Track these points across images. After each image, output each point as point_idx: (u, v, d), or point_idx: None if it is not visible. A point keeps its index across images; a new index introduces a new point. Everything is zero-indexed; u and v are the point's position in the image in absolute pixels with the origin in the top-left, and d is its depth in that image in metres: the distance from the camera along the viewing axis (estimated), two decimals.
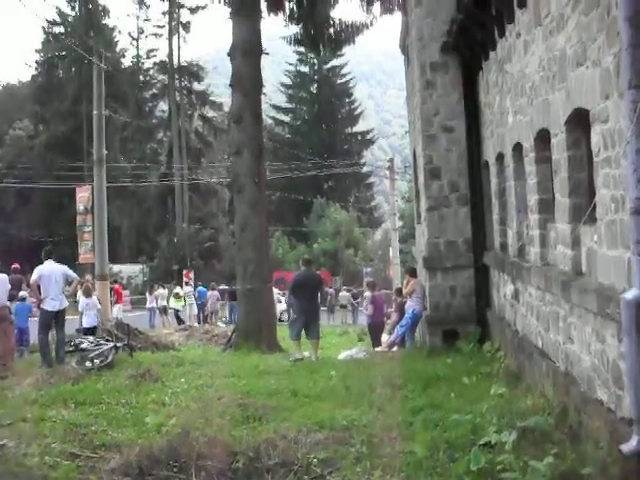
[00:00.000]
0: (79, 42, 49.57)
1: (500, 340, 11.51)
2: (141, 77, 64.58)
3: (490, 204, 12.43)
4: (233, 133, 17.31)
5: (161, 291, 30.62)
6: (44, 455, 6.42)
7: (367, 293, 20.51)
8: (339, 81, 66.77)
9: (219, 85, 71.06)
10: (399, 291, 17.27)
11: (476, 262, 13.32)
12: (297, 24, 20.90)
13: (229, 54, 17.24)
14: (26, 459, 6.32)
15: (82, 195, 24.26)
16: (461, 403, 7.96)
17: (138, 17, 62.36)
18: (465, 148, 13.45)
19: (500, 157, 11.08)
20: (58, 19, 60.87)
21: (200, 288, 34.11)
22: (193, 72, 59.46)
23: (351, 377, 10.44)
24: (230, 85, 17.11)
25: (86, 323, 15.69)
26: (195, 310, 31.42)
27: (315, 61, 64.78)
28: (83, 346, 12.87)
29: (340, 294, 38.34)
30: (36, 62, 63.84)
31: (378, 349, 16.10)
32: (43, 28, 61.30)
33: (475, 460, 5.60)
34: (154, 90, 64.24)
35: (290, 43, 24.02)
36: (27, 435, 7.26)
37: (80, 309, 16.03)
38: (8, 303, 13.40)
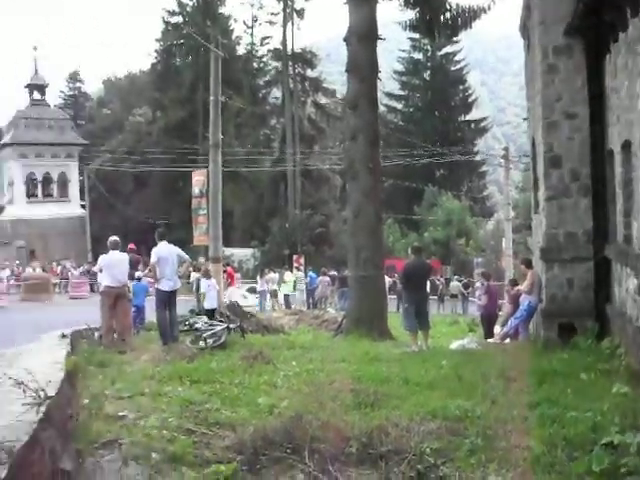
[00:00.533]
0: (197, 31, 50.85)
1: (620, 336, 11.02)
2: (255, 64, 65.65)
3: (613, 194, 11.90)
4: (348, 119, 17.32)
5: (272, 275, 31.12)
6: (162, 429, 6.57)
7: (478, 283, 20.17)
8: (453, 68, 65.71)
9: (332, 72, 71.34)
10: (513, 282, 16.86)
11: (596, 254, 12.78)
12: (413, 9, 20.59)
13: (345, 39, 17.22)
14: (145, 431, 6.49)
15: (198, 179, 24.78)
16: (579, 400, 7.65)
17: (252, 5, 63.31)
18: (588, 135, 12.89)
19: (627, 145, 10.57)
20: (177, 9, 62.66)
21: (311, 273, 34.42)
22: (307, 59, 59.76)
23: (463, 367, 10.23)
24: (346, 71, 17.09)
25: (207, 304, 16.14)
26: (305, 295, 31.73)
27: (429, 47, 63.96)
28: (197, 326, 13.22)
29: (451, 284, 37.89)
30: (155, 51, 66.08)
31: (490, 340, 15.80)
32: (163, 18, 63.34)
33: (597, 460, 5.35)
34: (268, 77, 65.16)
35: (405, 29, 23.69)
36: (145, 408, 7.46)
37: (203, 290, 16.45)
38: (128, 282, 13.90)
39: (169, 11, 62.82)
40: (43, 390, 4.41)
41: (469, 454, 5.98)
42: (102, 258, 13.49)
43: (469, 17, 20.27)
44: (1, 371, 7.17)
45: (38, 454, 3.29)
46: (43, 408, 4.11)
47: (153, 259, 12.83)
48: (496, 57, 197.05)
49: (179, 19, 63.72)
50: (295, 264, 38.17)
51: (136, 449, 5.84)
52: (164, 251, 12.91)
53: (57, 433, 4.07)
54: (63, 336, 11.91)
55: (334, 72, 77.46)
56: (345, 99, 18.97)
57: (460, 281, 37.74)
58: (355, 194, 16.58)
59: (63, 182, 57.94)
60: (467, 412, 7.26)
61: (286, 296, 30.80)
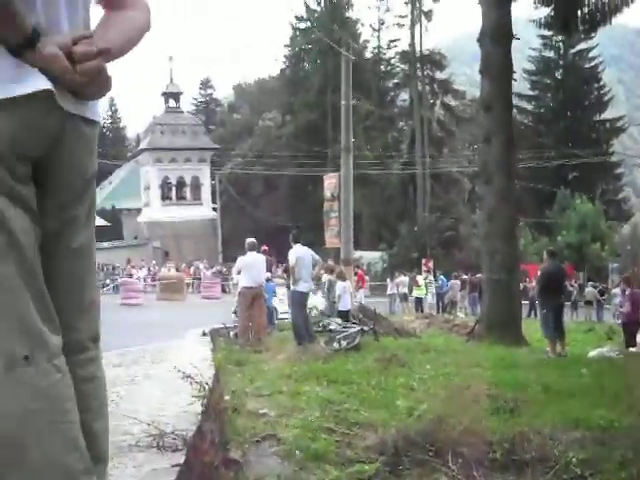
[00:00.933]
0: (325, 35, 51.59)
1: None
2: (382, 67, 65.79)
3: None
4: (482, 121, 17.08)
5: (402, 278, 31.09)
6: (304, 427, 6.69)
7: (616, 290, 19.42)
8: (586, 65, 63.31)
9: (459, 74, 70.48)
10: None
11: None
12: (547, 6, 20.08)
13: (478, 40, 16.99)
14: (288, 429, 6.62)
15: (329, 182, 25.13)
16: None
17: (379, 9, 63.52)
18: None
19: None
20: (305, 15, 63.77)
21: (441, 277, 34.16)
22: (435, 61, 59.34)
23: (604, 376, 9.89)
24: (480, 72, 16.84)
25: (342, 306, 16.26)
26: (435, 299, 31.54)
27: (561, 45, 61.94)
28: (331, 327, 13.37)
29: (585, 290, 36.59)
30: (284, 56, 67.52)
31: (633, 349, 15.17)
32: (291, 24, 64.65)
33: None
34: (396, 79, 65.15)
35: (539, 27, 23.20)
36: (285, 407, 7.61)
37: (338, 292, 16.61)
38: (264, 283, 14.26)
39: (297, 17, 64.06)
40: (207, 383, 4.61)
41: (619, 467, 5.75)
42: (241, 259, 13.87)
43: (609, 11, 19.51)
44: (147, 366, 7.52)
45: (206, 444, 3.45)
46: (205, 401, 4.32)
47: (292, 260, 13.05)
48: (634, 53, 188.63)
49: (307, 24, 64.80)
50: (424, 267, 38.01)
51: (281, 446, 5.98)
52: (301, 252, 13.13)
53: (216, 425, 4.26)
54: (204, 334, 12.37)
55: (460, 73, 76.60)
56: (479, 101, 18.67)
57: (595, 287, 36.35)
58: (489, 197, 16.31)
59: (196, 185, 59.89)
60: (612, 423, 6.99)
61: (418, 299, 30.80)
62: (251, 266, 13.46)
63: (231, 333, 14.62)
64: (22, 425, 1.73)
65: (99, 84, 1.90)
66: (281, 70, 69.10)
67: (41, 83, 1.77)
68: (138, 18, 2.09)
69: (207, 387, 4.58)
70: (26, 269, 1.80)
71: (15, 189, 1.79)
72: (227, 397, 7.82)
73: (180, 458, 2.94)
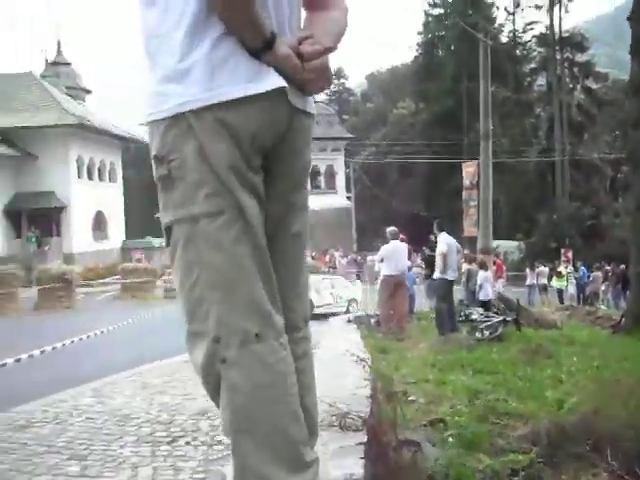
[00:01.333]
0: (459, 21, 50.99)
1: None
2: (518, 52, 64.22)
3: None
4: (631, 105, 16.33)
5: (542, 269, 30.44)
6: (454, 415, 6.73)
7: None
8: None
9: (599, 55, 67.66)
10: None
11: None
12: None
13: (629, 18, 16.21)
14: (439, 416, 6.69)
15: (468, 170, 24.89)
16: None
17: None
18: None
19: None
20: (438, 1, 63.30)
21: (582, 268, 33.23)
22: (576, 43, 57.03)
23: None
24: (629, 53, 16.08)
25: (483, 295, 16.16)
26: (575, 290, 30.74)
27: None
28: (473, 317, 13.30)
29: None
30: (417, 44, 67.21)
31: None
32: (424, 11, 64.40)
33: None
34: (532, 64, 63.41)
35: None
36: (432, 395, 7.67)
37: (479, 281, 16.51)
38: (406, 271, 14.36)
39: (430, 4, 63.63)
40: (377, 367, 4.77)
41: None
42: (384, 248, 14.02)
43: None
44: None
45: (384, 425, 3.61)
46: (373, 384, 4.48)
47: (444, 248, 13.02)
48: None
49: (440, 10, 64.23)
50: (563, 257, 37.02)
51: (435, 432, 6.05)
52: (451, 241, 13.16)
53: (387, 408, 4.41)
54: (349, 321, 12.62)
55: (600, 54, 73.47)
56: (628, 84, 17.76)
57: None
58: (638, 185, 15.60)
59: (330, 174, 60.51)
60: None
61: (559, 290, 30.19)
62: (394, 254, 13.58)
63: (372, 321, 14.81)
64: (253, 397, 1.94)
65: (323, 80, 2.12)
66: (414, 57, 68.83)
67: (278, 81, 1.97)
68: (340, 19, 2.24)
69: (377, 370, 4.73)
70: (258, 253, 2.02)
71: (251, 180, 2.02)
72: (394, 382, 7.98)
73: (362, 437, 3.10)
